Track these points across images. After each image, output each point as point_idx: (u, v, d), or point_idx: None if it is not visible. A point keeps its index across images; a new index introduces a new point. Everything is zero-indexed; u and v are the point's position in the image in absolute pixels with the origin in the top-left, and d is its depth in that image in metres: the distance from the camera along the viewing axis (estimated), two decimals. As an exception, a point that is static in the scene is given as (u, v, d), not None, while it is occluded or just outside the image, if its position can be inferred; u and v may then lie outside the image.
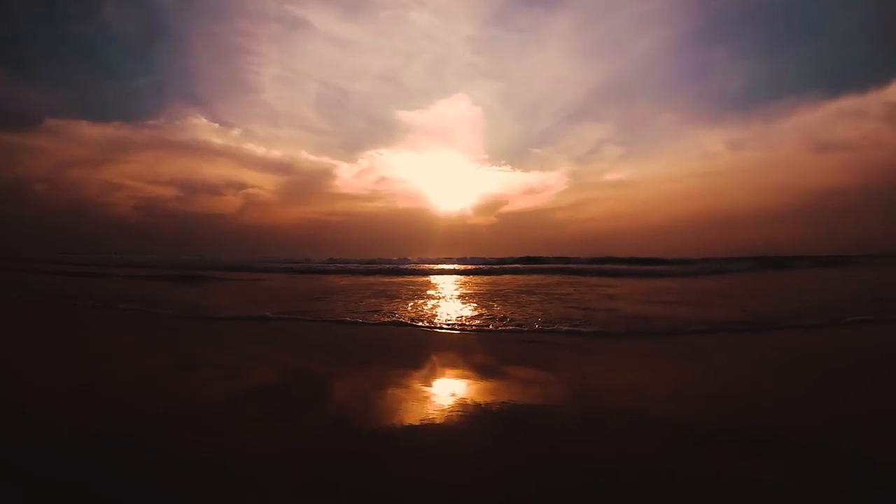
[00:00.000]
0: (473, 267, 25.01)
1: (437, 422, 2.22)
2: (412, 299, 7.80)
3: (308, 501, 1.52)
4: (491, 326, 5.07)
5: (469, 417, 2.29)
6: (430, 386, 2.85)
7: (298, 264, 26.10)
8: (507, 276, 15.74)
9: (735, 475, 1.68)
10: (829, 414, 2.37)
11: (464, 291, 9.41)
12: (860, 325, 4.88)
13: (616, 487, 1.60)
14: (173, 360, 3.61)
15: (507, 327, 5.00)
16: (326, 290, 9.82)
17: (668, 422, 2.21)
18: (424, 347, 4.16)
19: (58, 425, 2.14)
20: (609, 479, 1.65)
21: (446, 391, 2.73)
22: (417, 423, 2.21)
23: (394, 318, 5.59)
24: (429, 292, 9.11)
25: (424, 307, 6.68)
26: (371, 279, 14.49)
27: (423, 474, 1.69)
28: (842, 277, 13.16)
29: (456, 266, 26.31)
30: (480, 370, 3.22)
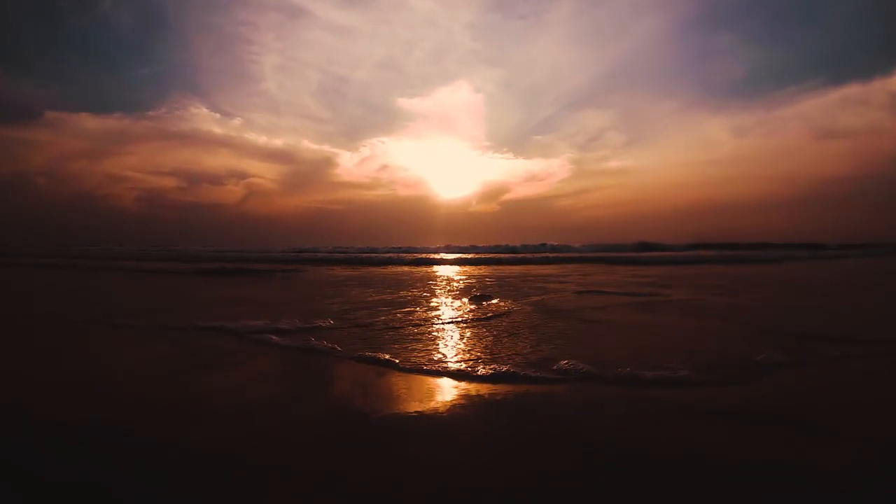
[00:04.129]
0: (509, 256, 25.01)
1: (439, 409, 2.35)
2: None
3: (311, 486, 1.63)
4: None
5: (470, 404, 2.41)
6: (432, 373, 2.96)
7: (305, 253, 26.52)
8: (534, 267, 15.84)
9: (735, 453, 1.80)
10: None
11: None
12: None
13: (614, 468, 1.72)
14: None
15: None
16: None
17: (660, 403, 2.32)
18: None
19: (57, 423, 2.21)
20: (607, 460, 1.78)
21: (448, 379, 2.84)
22: (419, 409, 2.33)
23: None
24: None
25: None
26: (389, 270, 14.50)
27: (424, 458, 1.82)
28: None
29: (477, 255, 26.32)
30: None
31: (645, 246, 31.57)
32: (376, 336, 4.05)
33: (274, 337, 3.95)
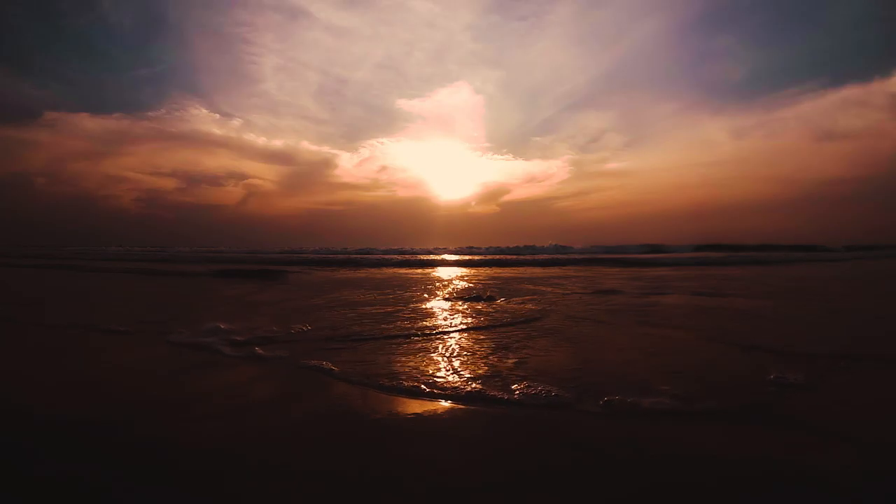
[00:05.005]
0: (508, 258, 24.75)
1: (438, 408, 2.40)
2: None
3: (310, 483, 1.67)
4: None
5: (468, 403, 2.44)
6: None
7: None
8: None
9: (729, 450, 1.85)
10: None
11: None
12: None
13: (611, 466, 1.77)
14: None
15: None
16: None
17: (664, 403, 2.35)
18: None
19: (57, 423, 2.27)
20: (605, 460, 1.83)
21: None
22: (418, 409, 2.38)
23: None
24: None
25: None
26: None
27: (422, 456, 1.87)
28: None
29: (476, 256, 26.19)
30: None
31: (651, 248, 31.69)
32: (346, 347, 3.72)
33: (226, 348, 3.67)
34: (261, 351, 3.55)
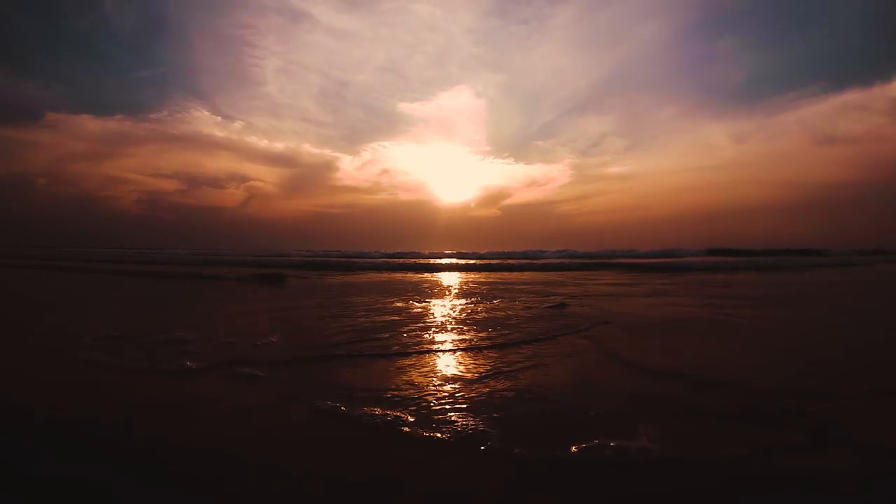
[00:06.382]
0: (508, 262, 24.02)
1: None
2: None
3: (309, 487, 1.70)
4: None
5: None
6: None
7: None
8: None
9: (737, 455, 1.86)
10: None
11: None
12: None
13: (610, 469, 1.79)
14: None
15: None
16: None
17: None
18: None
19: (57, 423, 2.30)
20: (604, 460, 1.84)
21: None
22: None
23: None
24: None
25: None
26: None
27: (422, 458, 1.90)
28: None
29: (477, 261, 25.89)
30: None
31: (662, 253, 31.62)
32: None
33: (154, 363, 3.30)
34: (192, 365, 3.24)
